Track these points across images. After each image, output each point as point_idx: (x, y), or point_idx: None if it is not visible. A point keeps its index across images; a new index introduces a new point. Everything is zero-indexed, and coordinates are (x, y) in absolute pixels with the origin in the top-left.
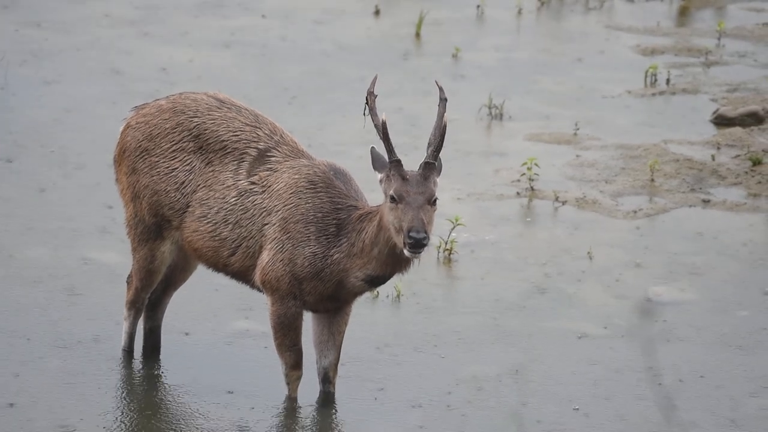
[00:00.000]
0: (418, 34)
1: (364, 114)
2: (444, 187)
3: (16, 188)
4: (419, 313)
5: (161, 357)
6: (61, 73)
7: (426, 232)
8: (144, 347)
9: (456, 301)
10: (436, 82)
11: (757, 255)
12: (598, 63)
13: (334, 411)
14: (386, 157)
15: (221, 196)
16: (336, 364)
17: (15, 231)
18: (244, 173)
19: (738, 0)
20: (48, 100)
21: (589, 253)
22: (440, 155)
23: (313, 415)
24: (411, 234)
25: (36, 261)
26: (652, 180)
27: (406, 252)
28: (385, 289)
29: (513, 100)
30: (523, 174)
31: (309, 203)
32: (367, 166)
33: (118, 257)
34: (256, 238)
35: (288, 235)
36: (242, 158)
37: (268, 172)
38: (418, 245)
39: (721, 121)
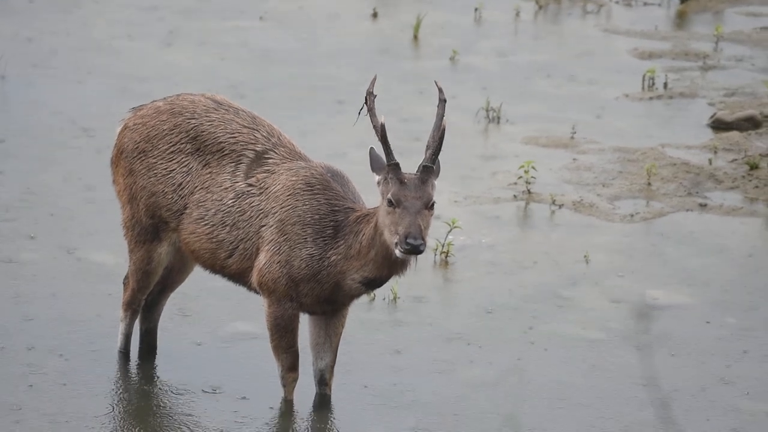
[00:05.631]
0: (416, 37)
1: (359, 113)
2: (441, 189)
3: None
4: (415, 315)
5: (157, 358)
6: (59, 74)
7: (423, 239)
8: (140, 348)
9: (452, 303)
10: (436, 82)
11: (754, 259)
12: (595, 66)
13: (330, 413)
14: (385, 158)
15: (218, 198)
16: (332, 367)
17: (12, 235)
18: (242, 175)
19: (736, 4)
20: (45, 100)
21: (585, 256)
22: (438, 158)
23: (309, 418)
24: (408, 240)
25: (30, 261)
26: (649, 184)
27: (397, 252)
28: (382, 292)
29: (510, 104)
30: (520, 177)
31: (306, 205)
32: (364, 169)
33: (113, 258)
34: (253, 240)
35: (285, 237)
36: (239, 160)
37: (265, 174)
38: (414, 251)
39: (719, 125)
